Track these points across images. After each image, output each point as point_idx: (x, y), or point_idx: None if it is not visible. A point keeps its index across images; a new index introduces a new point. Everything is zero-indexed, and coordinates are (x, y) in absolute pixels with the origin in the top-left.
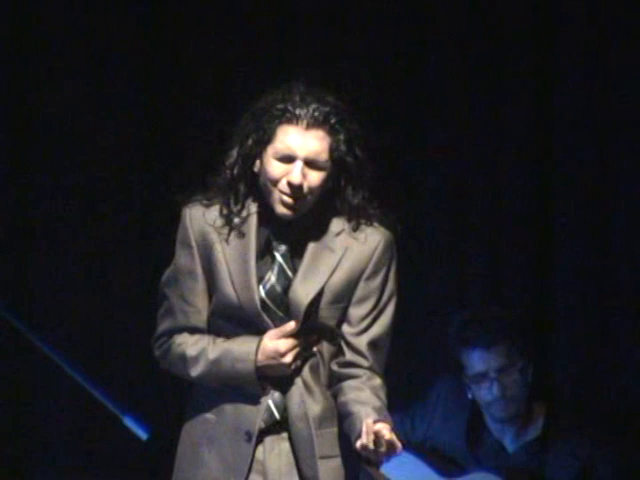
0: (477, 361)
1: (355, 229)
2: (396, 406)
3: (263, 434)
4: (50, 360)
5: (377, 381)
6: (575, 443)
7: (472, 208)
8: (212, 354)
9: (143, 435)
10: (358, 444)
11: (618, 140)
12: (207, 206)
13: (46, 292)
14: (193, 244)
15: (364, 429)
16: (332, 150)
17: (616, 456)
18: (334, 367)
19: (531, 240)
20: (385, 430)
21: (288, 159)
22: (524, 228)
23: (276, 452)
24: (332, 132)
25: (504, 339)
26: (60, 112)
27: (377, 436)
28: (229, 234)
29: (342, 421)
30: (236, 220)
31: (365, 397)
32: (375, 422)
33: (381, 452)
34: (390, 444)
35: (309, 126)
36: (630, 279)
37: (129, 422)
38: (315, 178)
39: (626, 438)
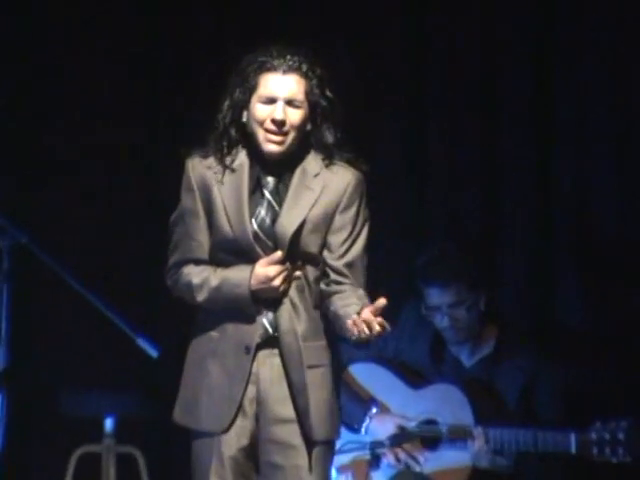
0: (433, 297)
1: (329, 168)
2: None
3: (258, 349)
4: (72, 288)
5: (360, 292)
6: (522, 360)
7: (431, 159)
8: (213, 282)
9: (153, 353)
10: (348, 326)
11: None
12: (205, 156)
13: (68, 227)
14: (195, 188)
15: (363, 314)
16: (307, 93)
17: (555, 369)
18: (322, 286)
19: (482, 184)
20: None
21: (271, 101)
22: (475, 175)
23: (268, 365)
24: (306, 77)
25: (456, 280)
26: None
27: (368, 319)
28: (223, 175)
29: (334, 325)
30: (228, 161)
31: (351, 301)
32: (361, 311)
33: (374, 329)
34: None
35: (285, 72)
36: (567, 215)
37: (141, 342)
38: (295, 115)
39: (565, 355)
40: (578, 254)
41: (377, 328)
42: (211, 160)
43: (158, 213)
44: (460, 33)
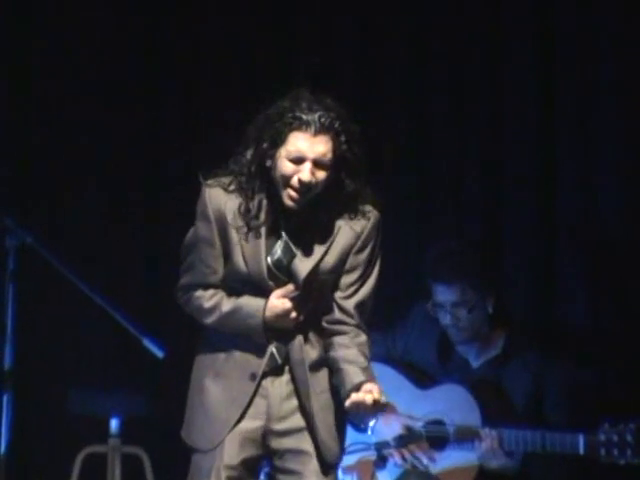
0: (439, 293)
1: (351, 215)
2: (380, 325)
3: (265, 374)
4: (77, 289)
5: (363, 338)
6: (529, 361)
7: (437, 165)
8: (225, 307)
9: (159, 354)
10: (347, 405)
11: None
12: (226, 191)
13: (73, 227)
14: (212, 219)
15: (353, 397)
16: (335, 150)
17: (562, 370)
18: (324, 324)
19: (485, 185)
20: (369, 395)
21: (299, 160)
22: (478, 184)
23: (277, 382)
24: (335, 135)
25: (462, 279)
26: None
27: (364, 402)
28: (250, 227)
29: (333, 373)
30: (256, 218)
31: (352, 356)
32: (361, 386)
33: (369, 412)
34: (376, 403)
35: (317, 132)
36: (571, 216)
37: (147, 343)
38: (321, 175)
39: (573, 356)
40: (583, 254)
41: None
42: (233, 197)
43: (165, 214)
44: (463, 35)
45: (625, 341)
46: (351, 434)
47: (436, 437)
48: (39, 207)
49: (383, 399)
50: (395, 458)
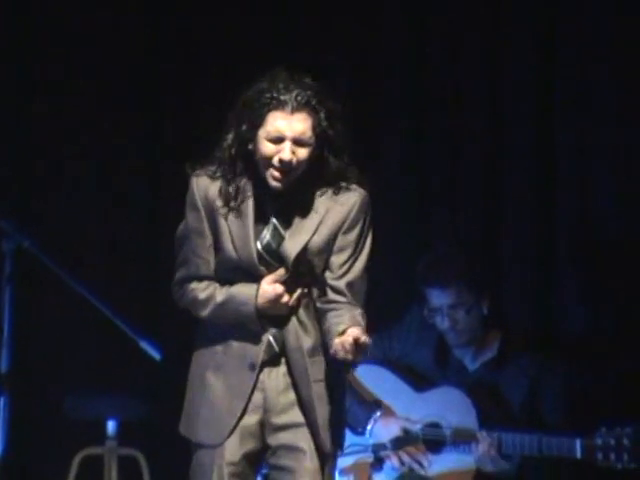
0: (434, 298)
1: (335, 191)
2: (377, 327)
3: (264, 364)
4: (74, 291)
5: (357, 310)
6: (525, 364)
7: (433, 172)
8: (218, 298)
9: (156, 356)
10: (331, 351)
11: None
12: (212, 178)
13: (70, 230)
14: (200, 208)
15: (335, 341)
16: (315, 127)
17: (560, 375)
18: (318, 304)
19: (484, 192)
20: (350, 335)
21: (278, 140)
22: (477, 185)
23: (274, 374)
24: (314, 112)
25: (457, 281)
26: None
27: (345, 342)
28: (230, 200)
29: (325, 341)
30: (234, 199)
31: (342, 320)
32: (345, 331)
33: (352, 354)
34: (356, 340)
35: (294, 110)
36: (568, 221)
37: (144, 345)
38: (302, 153)
39: (569, 359)
40: (580, 258)
41: (352, 351)
42: (217, 183)
43: (161, 215)
44: (462, 35)
45: (623, 343)
46: (348, 436)
47: (433, 440)
48: (37, 208)
49: (365, 338)
50: (392, 460)
